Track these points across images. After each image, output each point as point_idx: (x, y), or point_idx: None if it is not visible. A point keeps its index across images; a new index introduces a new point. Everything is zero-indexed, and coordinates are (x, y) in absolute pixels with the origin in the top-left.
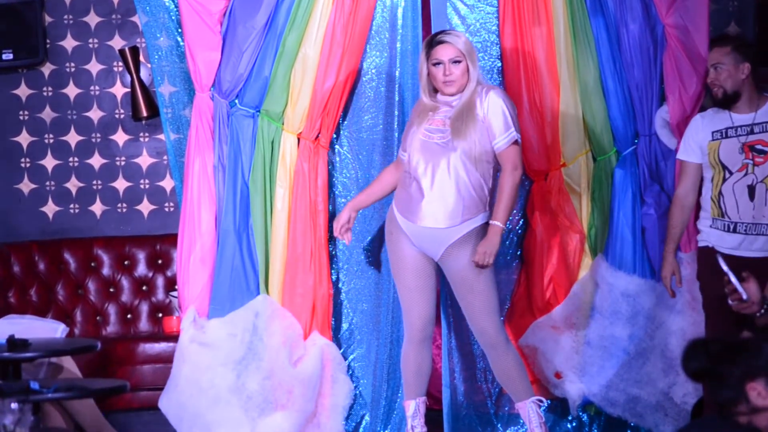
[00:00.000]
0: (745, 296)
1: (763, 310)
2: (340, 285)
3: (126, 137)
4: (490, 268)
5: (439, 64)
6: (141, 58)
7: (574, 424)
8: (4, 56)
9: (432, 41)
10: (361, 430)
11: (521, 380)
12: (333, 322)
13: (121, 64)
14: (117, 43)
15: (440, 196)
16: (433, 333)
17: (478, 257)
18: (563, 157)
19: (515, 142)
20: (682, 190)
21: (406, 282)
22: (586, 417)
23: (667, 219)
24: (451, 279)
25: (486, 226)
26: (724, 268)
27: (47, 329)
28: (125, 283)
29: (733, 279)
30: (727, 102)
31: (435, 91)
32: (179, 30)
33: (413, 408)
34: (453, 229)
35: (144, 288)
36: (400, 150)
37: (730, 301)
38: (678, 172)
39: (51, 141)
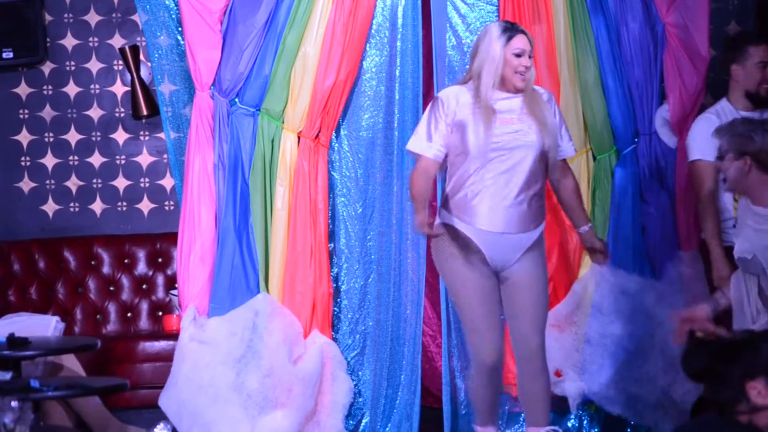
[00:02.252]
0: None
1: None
2: (340, 283)
3: (126, 136)
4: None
5: (520, 55)
6: (141, 56)
7: (574, 422)
8: (4, 55)
9: (510, 30)
10: (361, 428)
11: (545, 406)
12: (333, 321)
13: (121, 62)
14: (117, 41)
15: (524, 199)
16: (434, 331)
17: (603, 254)
18: None
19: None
20: (709, 190)
21: (478, 314)
22: (586, 415)
23: (702, 223)
24: (516, 284)
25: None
26: None
27: (41, 325)
28: (125, 281)
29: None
30: None
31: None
32: (179, 28)
33: None
34: (531, 234)
35: (144, 286)
36: (436, 149)
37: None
38: (697, 174)
39: (51, 139)
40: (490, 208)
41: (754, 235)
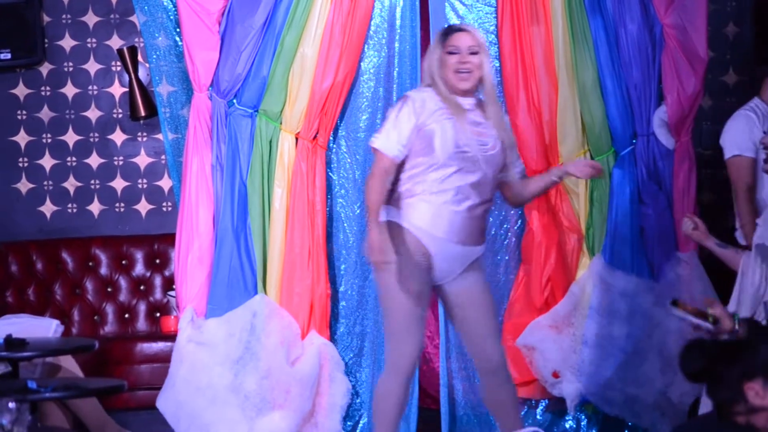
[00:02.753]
0: (711, 327)
1: (737, 326)
2: (337, 284)
3: (124, 137)
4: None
5: (455, 53)
6: (139, 57)
7: (571, 423)
8: (2, 56)
9: (448, 30)
10: (358, 429)
11: (515, 411)
12: (331, 322)
13: (119, 63)
14: (115, 42)
15: (481, 213)
16: (432, 332)
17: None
18: (561, 157)
19: None
20: (747, 185)
21: (408, 312)
22: (583, 416)
23: (740, 219)
24: (467, 301)
25: None
26: (678, 314)
27: (41, 327)
28: (123, 282)
29: (692, 320)
30: None
31: None
32: (177, 30)
33: None
34: (480, 248)
35: (142, 288)
36: (399, 149)
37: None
38: (735, 170)
39: (49, 140)
40: (451, 216)
41: None
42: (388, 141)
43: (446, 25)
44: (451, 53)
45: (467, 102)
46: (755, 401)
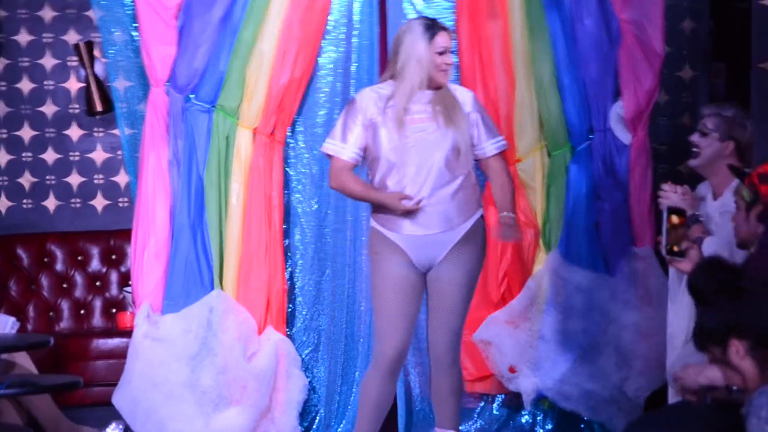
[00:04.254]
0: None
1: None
2: (294, 280)
3: (80, 132)
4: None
5: (443, 53)
6: (96, 52)
7: (528, 418)
8: None
9: (432, 28)
10: (315, 425)
11: (452, 407)
12: (287, 317)
13: (75, 58)
14: (71, 37)
15: (442, 197)
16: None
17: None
18: (518, 152)
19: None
20: None
21: (389, 305)
22: (540, 411)
23: None
24: (438, 289)
25: (481, 221)
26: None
27: None
28: (78, 278)
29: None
30: None
31: None
32: (134, 24)
33: None
34: (457, 230)
35: (97, 283)
36: (351, 151)
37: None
38: None
39: (4, 136)
40: (409, 211)
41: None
42: (340, 145)
43: (423, 19)
44: (440, 54)
45: (428, 93)
46: (733, 358)
